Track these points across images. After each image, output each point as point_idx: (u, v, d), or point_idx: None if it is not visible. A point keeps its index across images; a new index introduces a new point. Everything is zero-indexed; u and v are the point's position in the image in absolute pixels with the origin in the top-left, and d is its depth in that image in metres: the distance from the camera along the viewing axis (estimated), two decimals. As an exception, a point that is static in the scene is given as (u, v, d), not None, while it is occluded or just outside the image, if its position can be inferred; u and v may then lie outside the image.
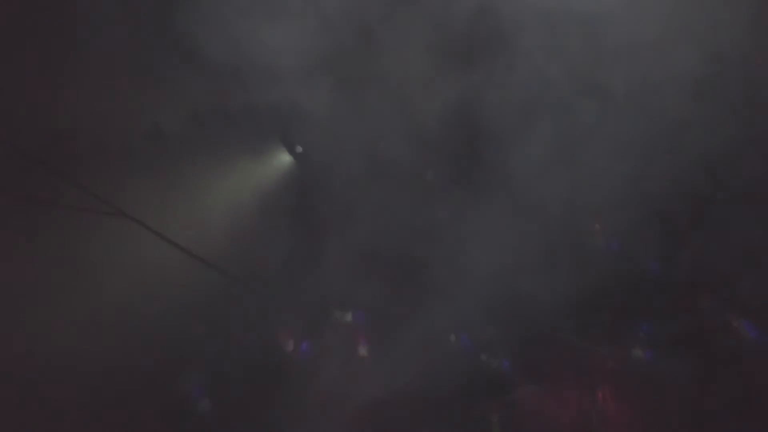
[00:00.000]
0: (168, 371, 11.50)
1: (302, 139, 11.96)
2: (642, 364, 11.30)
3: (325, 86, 11.55)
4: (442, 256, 11.78)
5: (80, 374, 10.93)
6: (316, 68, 11.42)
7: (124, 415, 11.06)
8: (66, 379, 10.89)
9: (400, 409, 11.35)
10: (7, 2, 10.94)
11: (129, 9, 11.20)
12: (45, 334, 10.87)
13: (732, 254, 10.97)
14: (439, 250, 11.81)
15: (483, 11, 11.16)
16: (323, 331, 12.04)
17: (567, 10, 10.78)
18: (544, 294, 11.32)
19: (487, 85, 11.64)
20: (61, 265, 11.00)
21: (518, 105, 11.52)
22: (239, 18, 11.05)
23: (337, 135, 11.69)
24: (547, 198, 11.45)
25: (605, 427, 11.09)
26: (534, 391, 11.32)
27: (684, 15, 10.69)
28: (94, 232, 10.93)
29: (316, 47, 11.28)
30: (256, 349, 11.79)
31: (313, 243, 11.95)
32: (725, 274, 11.02)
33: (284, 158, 12.03)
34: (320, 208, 11.87)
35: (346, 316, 12.08)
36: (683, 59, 10.84)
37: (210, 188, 11.57)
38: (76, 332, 10.95)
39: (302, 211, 11.95)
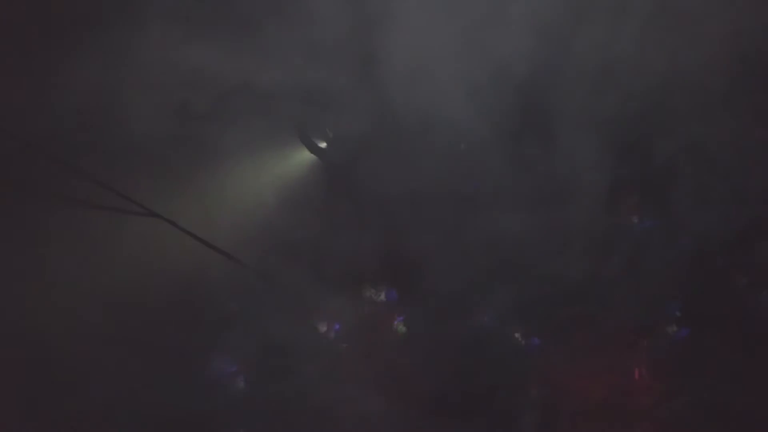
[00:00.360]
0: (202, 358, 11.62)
1: (328, 129, 11.79)
2: (677, 342, 11.35)
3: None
4: (473, 235, 11.73)
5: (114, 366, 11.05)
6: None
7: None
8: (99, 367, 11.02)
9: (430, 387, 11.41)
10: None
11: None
12: (77, 333, 10.92)
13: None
14: (472, 229, 11.74)
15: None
16: (355, 311, 12.06)
17: None
18: (575, 271, 11.32)
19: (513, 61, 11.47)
20: (92, 264, 10.99)
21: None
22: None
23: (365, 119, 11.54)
24: (582, 171, 11.37)
25: (640, 404, 11.20)
26: (568, 369, 11.36)
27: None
28: (126, 232, 10.87)
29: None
30: (288, 333, 11.74)
31: (344, 228, 11.85)
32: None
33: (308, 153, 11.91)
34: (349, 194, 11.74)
35: (379, 295, 12.08)
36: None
37: (238, 184, 11.49)
38: (107, 332, 11.03)
39: (332, 199, 11.83)
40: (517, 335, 11.77)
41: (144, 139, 10.94)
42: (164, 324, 11.20)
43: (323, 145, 11.98)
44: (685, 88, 10.89)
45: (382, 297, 12.15)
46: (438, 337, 11.61)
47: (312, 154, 11.97)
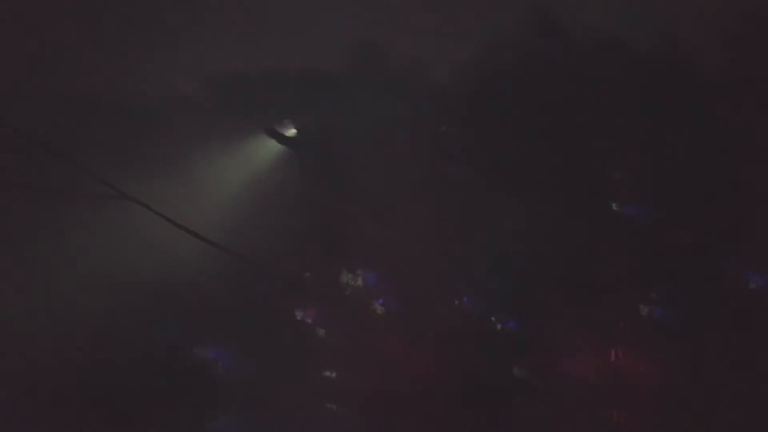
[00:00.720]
0: (181, 340, 11.59)
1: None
2: (654, 323, 11.40)
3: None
4: (451, 217, 11.72)
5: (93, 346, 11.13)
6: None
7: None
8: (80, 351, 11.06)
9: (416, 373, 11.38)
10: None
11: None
12: (55, 314, 10.96)
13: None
14: (449, 211, 11.74)
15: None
16: (335, 295, 12.03)
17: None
18: (555, 257, 11.34)
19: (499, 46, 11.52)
20: (67, 247, 10.99)
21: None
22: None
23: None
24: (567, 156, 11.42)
25: (621, 384, 11.23)
26: (550, 352, 11.36)
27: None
28: (100, 215, 10.88)
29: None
30: (266, 318, 11.70)
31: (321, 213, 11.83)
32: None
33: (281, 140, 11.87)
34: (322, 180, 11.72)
35: (357, 279, 12.07)
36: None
37: (212, 170, 11.48)
38: (84, 310, 11.02)
39: (308, 183, 11.81)
40: (493, 318, 11.81)
41: (119, 126, 10.99)
42: (139, 306, 11.19)
43: (291, 133, 11.93)
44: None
45: (360, 282, 12.15)
46: (421, 320, 11.67)
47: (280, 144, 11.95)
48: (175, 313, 11.38)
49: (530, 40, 11.29)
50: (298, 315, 12.01)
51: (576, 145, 11.38)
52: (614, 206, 11.59)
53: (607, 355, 11.31)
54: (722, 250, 11.06)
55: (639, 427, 11.02)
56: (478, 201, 11.53)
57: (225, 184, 11.51)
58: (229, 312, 11.56)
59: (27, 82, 10.65)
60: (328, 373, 11.70)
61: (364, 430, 11.43)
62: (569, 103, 11.19)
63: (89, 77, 10.80)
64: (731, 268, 11.19)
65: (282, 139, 11.85)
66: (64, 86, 10.83)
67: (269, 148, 11.78)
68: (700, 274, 11.19)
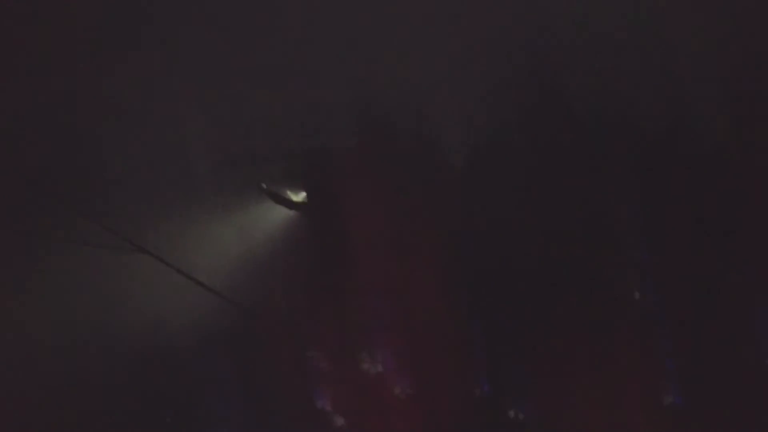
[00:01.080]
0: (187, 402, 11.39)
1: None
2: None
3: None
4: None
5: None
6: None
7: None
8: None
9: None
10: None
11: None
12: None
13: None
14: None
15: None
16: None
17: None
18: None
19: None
20: (78, 301, 10.96)
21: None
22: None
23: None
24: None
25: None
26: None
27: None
28: (113, 268, 10.90)
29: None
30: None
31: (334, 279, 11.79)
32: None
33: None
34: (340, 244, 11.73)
35: (376, 365, 11.77)
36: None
37: (230, 223, 11.46)
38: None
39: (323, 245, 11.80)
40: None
41: (131, 178, 11.27)
42: (148, 362, 11.06)
43: (300, 197, 11.86)
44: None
45: (380, 367, 11.88)
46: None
47: (288, 209, 11.76)
48: (179, 378, 11.27)
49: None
50: (318, 404, 11.69)
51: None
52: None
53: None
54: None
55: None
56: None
57: (248, 239, 11.46)
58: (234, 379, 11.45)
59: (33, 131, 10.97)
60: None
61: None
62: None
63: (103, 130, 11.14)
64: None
65: (289, 203, 11.79)
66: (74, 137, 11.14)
67: (276, 212, 11.84)
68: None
